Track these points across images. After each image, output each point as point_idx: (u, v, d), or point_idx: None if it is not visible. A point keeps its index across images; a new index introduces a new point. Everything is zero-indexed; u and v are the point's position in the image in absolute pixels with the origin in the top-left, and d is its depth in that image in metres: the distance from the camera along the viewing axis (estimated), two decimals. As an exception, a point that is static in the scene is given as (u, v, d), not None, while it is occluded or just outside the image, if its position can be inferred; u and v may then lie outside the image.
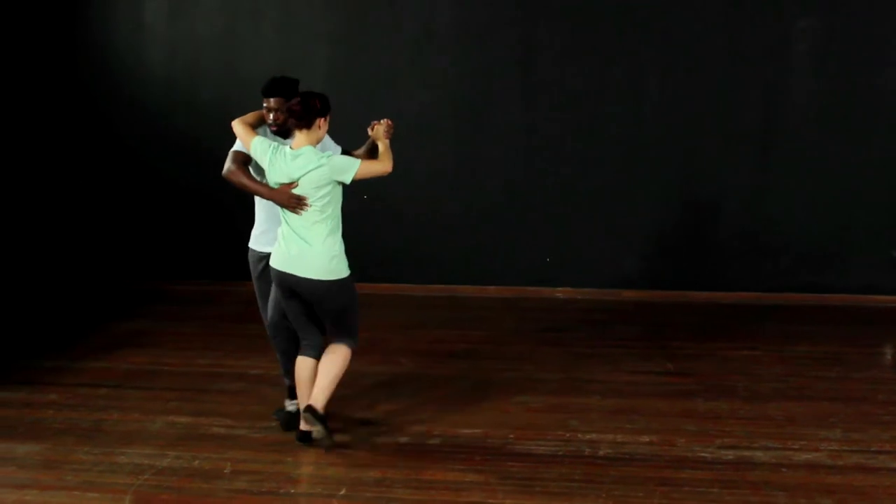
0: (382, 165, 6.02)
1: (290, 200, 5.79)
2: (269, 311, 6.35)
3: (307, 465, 5.78)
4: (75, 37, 10.70)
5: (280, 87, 6.07)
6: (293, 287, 5.90)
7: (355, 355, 7.90)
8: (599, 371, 7.62)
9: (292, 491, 5.47)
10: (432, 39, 10.18)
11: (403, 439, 6.22)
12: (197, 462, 5.85)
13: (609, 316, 9.42)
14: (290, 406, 6.45)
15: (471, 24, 10.13)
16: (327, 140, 6.19)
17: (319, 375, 5.98)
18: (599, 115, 10.04)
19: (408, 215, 10.32)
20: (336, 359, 6.01)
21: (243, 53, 10.33)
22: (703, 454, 5.94)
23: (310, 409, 5.89)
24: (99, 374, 7.65)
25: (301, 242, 5.83)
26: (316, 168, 5.76)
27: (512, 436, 6.24)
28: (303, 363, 6.10)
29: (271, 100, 6.05)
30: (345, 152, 6.27)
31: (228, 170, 6.01)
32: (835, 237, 9.87)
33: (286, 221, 5.89)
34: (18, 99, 10.66)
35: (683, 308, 9.68)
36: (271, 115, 6.05)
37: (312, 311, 6.05)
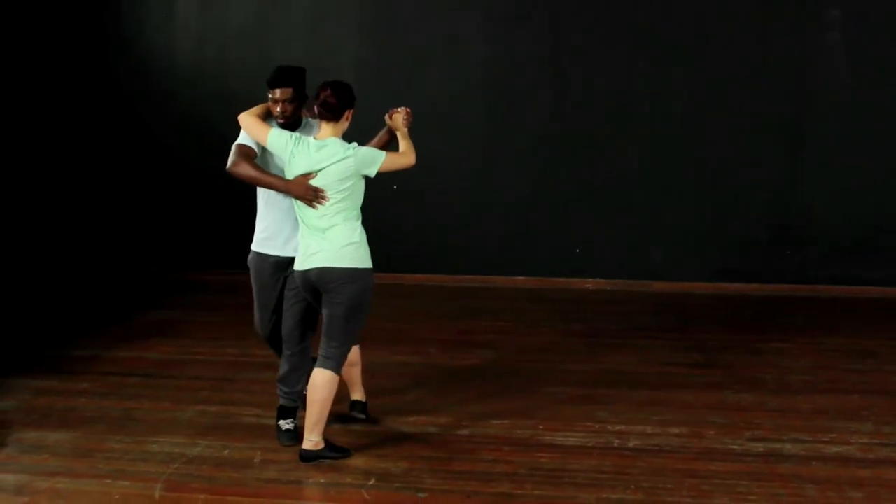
0: (407, 158, 5.84)
1: (308, 192, 5.54)
2: (284, 321, 6.03)
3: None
4: (106, 28, 10.77)
5: (288, 77, 5.78)
6: (315, 284, 5.62)
7: (384, 343, 8.01)
8: (628, 362, 7.60)
9: (321, 481, 5.48)
10: (462, 30, 10.18)
11: (432, 429, 6.22)
12: (227, 451, 5.87)
13: (638, 307, 9.41)
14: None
15: (500, 15, 10.11)
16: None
17: (307, 409, 5.67)
18: (629, 106, 10.02)
19: (437, 206, 10.33)
20: (321, 388, 5.62)
21: (273, 44, 10.35)
22: (732, 446, 5.92)
23: (310, 453, 5.66)
24: (130, 363, 7.69)
25: (320, 238, 5.58)
26: (342, 159, 5.55)
27: (540, 427, 6.23)
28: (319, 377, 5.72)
29: (277, 91, 5.73)
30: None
31: (233, 163, 5.70)
32: (867, 229, 9.81)
33: (302, 219, 5.65)
34: (50, 92, 10.73)
35: (713, 300, 9.65)
36: (278, 107, 5.73)
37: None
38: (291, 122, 5.81)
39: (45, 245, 10.71)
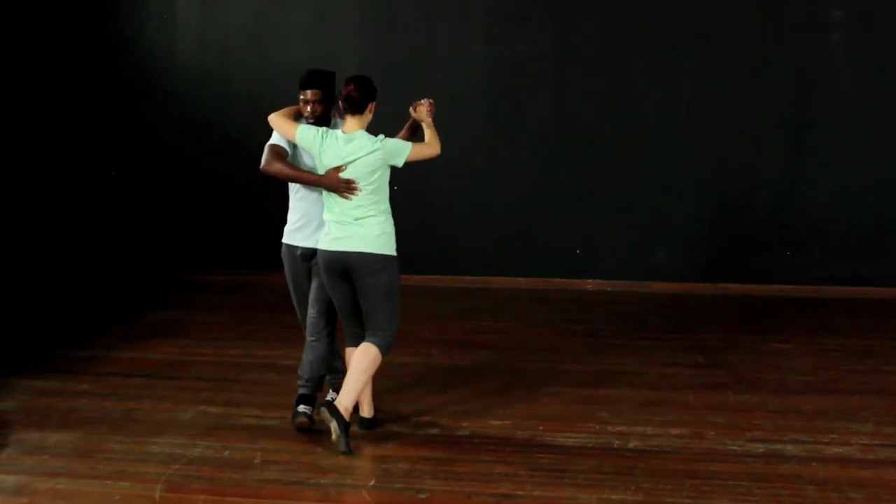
0: (432, 148, 6.08)
1: (340, 184, 5.77)
2: (309, 310, 6.29)
3: (337, 455, 5.78)
4: (107, 28, 10.76)
5: (318, 79, 6.06)
6: (344, 265, 5.82)
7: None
8: (629, 363, 7.60)
9: (322, 481, 5.48)
10: (464, 30, 10.18)
11: (433, 430, 6.22)
12: (228, 452, 5.88)
13: (639, 308, 9.41)
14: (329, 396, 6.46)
15: (504, 14, 10.11)
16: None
17: (347, 376, 5.90)
18: (630, 106, 10.02)
19: (437, 206, 10.33)
20: (363, 360, 5.88)
21: (275, 43, 10.35)
22: (732, 447, 5.92)
23: (328, 405, 5.78)
24: (131, 363, 7.70)
25: (353, 225, 5.81)
26: (371, 152, 5.76)
27: (541, 427, 6.24)
28: (353, 353, 6.03)
29: (308, 92, 6.02)
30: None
31: (267, 162, 5.98)
32: (868, 229, 9.81)
33: (331, 210, 5.85)
34: (51, 92, 10.73)
35: (714, 300, 9.65)
36: (308, 108, 6.01)
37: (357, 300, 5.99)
38: (321, 123, 6.04)
39: (45, 245, 10.71)
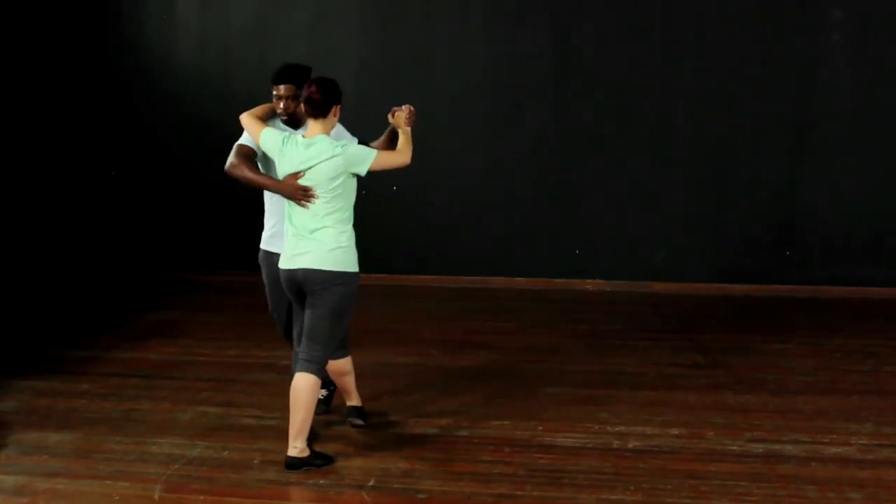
0: (401, 157, 5.75)
1: (297, 192, 5.49)
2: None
3: (335, 455, 5.78)
4: (107, 28, 10.77)
5: (291, 74, 5.82)
6: (300, 284, 5.58)
7: (385, 344, 8.03)
8: (629, 363, 7.60)
9: (321, 482, 5.48)
10: (464, 29, 10.18)
11: (432, 430, 6.22)
12: (227, 452, 5.88)
13: (639, 308, 9.41)
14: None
15: (504, 14, 10.11)
16: (342, 131, 5.98)
17: (291, 416, 5.60)
18: (630, 106, 10.02)
19: (437, 207, 10.33)
20: (307, 394, 5.56)
21: (275, 44, 10.35)
22: (732, 447, 5.92)
23: (295, 460, 5.61)
24: (130, 363, 7.70)
25: (308, 239, 5.53)
26: (330, 158, 5.46)
27: (540, 428, 6.24)
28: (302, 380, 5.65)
29: (281, 87, 5.78)
30: (361, 143, 6.01)
31: (231, 164, 5.73)
32: (868, 229, 9.81)
33: (290, 217, 5.59)
34: (51, 93, 10.73)
35: (714, 301, 9.65)
36: (282, 104, 5.78)
37: None
38: (295, 120, 5.85)
39: (45, 246, 10.71)
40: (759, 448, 5.90)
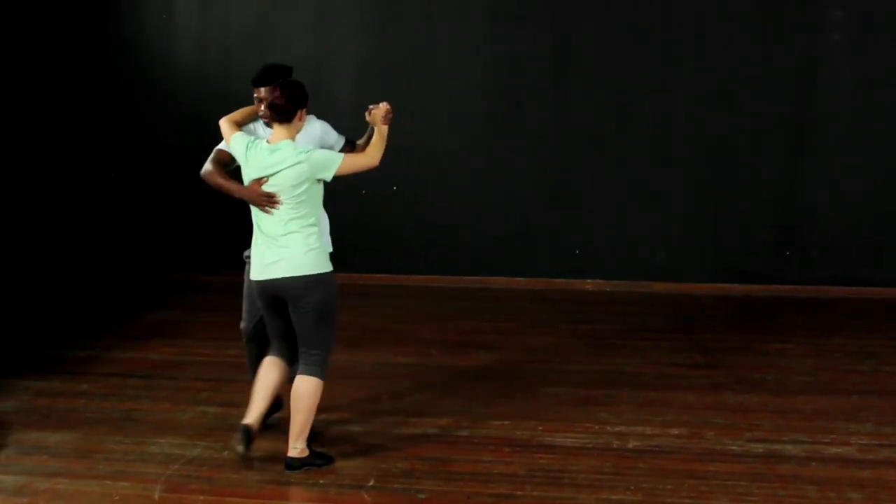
0: (368, 159, 5.62)
1: (261, 198, 5.43)
2: (245, 319, 6.18)
3: (336, 456, 5.78)
4: (107, 28, 10.76)
5: (271, 75, 5.68)
6: (276, 294, 5.52)
7: (385, 344, 8.03)
8: (629, 363, 7.60)
9: (321, 482, 5.48)
10: (464, 29, 10.17)
11: (432, 431, 6.22)
12: (227, 452, 5.87)
13: (639, 308, 9.40)
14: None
15: (504, 14, 10.11)
16: (328, 129, 5.94)
17: (292, 418, 5.60)
18: (630, 106, 10.02)
19: (437, 206, 10.32)
20: (309, 398, 5.55)
21: (274, 44, 10.34)
22: (732, 447, 5.92)
23: (295, 461, 5.59)
24: (130, 363, 7.70)
25: (276, 247, 5.46)
26: (294, 164, 5.38)
27: (540, 428, 6.24)
28: (270, 363, 5.72)
29: (262, 89, 5.69)
30: (349, 142, 6.01)
31: (204, 170, 5.74)
32: (868, 229, 9.81)
33: (258, 225, 5.54)
34: (51, 92, 10.72)
35: (714, 301, 9.65)
36: (262, 106, 5.69)
37: (293, 328, 5.65)
38: None
39: (45, 245, 10.71)
40: (759, 448, 5.90)
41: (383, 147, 5.69)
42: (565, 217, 10.20)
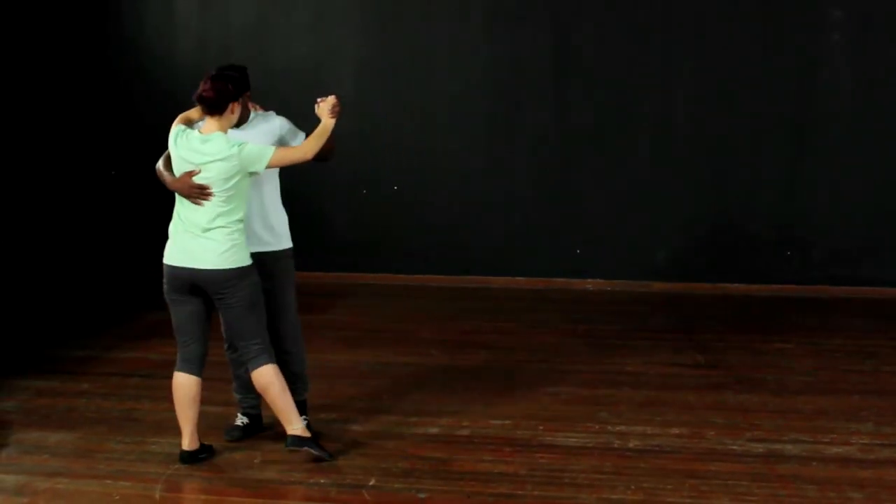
0: (301, 152, 5.53)
1: (192, 189, 5.39)
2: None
3: (336, 455, 5.78)
4: (107, 28, 10.76)
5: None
6: (192, 281, 5.47)
7: (385, 344, 8.03)
8: (629, 363, 7.60)
9: (322, 481, 5.48)
10: (464, 29, 10.17)
11: (432, 430, 6.22)
12: (227, 452, 5.87)
13: (639, 308, 9.40)
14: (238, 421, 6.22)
15: (504, 14, 10.10)
16: (286, 125, 5.87)
17: (274, 408, 5.65)
18: (630, 106, 10.01)
19: (438, 206, 10.32)
20: (270, 385, 5.56)
21: (275, 44, 10.34)
22: (732, 447, 5.92)
23: (296, 439, 5.63)
24: (130, 363, 7.70)
25: (201, 238, 5.41)
26: (226, 157, 5.34)
27: (541, 427, 6.24)
28: (184, 380, 5.64)
29: None
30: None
31: (157, 167, 5.75)
32: (868, 230, 9.81)
33: (179, 214, 5.50)
34: (50, 92, 10.72)
35: (715, 300, 9.65)
36: None
37: (206, 318, 5.65)
38: (238, 121, 5.71)
39: (45, 245, 10.70)
40: (759, 448, 5.90)
41: (323, 140, 5.58)
42: (565, 217, 10.19)
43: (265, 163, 5.41)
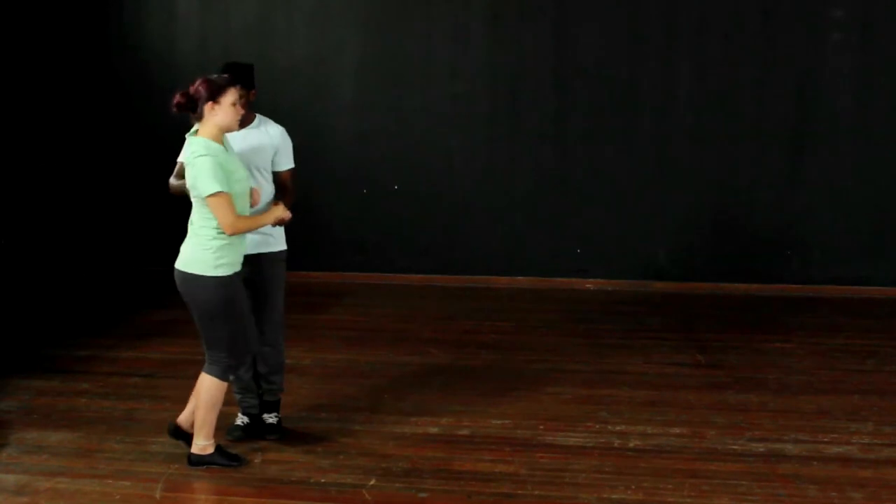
0: (227, 222, 5.24)
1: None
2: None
3: (337, 455, 5.78)
4: (107, 28, 10.76)
5: (236, 76, 5.52)
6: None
7: (386, 344, 8.03)
8: (630, 363, 7.60)
9: (322, 481, 5.48)
10: (466, 28, 10.17)
11: (433, 430, 6.22)
12: (228, 451, 5.87)
13: (639, 308, 9.41)
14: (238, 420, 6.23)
15: (504, 14, 10.11)
16: (287, 148, 5.91)
17: (196, 415, 5.61)
18: (632, 107, 10.02)
19: (439, 206, 10.33)
20: (202, 391, 5.55)
21: (275, 44, 10.35)
22: (733, 447, 5.92)
23: (192, 458, 5.62)
24: (131, 363, 7.70)
25: (187, 238, 5.41)
26: (189, 163, 5.27)
27: (541, 427, 6.24)
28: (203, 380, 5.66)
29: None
30: (291, 172, 5.96)
31: (169, 183, 5.81)
32: (868, 229, 9.81)
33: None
34: (51, 92, 10.73)
35: (715, 300, 9.65)
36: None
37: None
38: (243, 121, 5.70)
39: (46, 244, 10.71)
40: (760, 447, 5.90)
41: (252, 227, 5.44)
42: (565, 217, 10.20)
43: (201, 193, 5.22)
